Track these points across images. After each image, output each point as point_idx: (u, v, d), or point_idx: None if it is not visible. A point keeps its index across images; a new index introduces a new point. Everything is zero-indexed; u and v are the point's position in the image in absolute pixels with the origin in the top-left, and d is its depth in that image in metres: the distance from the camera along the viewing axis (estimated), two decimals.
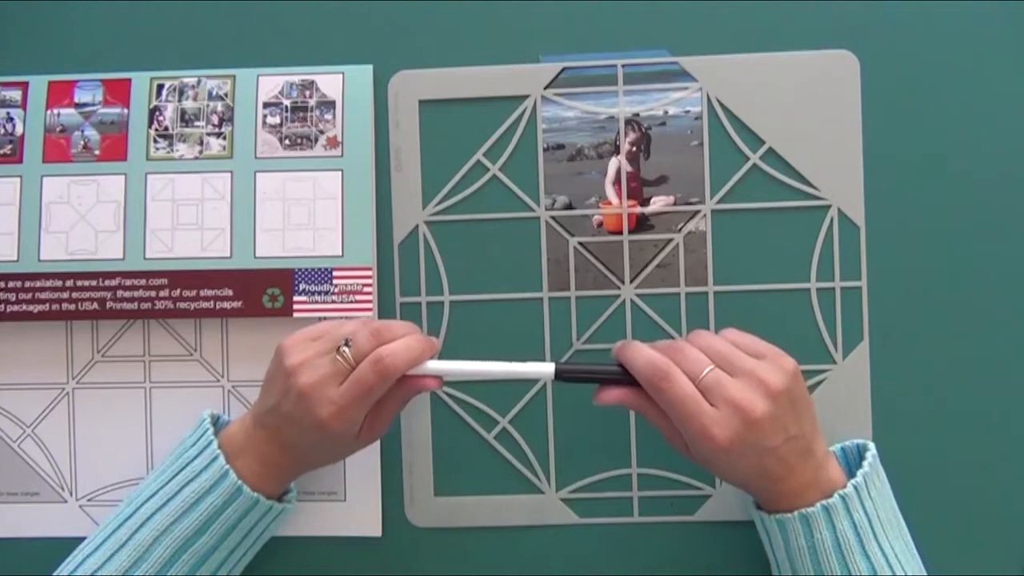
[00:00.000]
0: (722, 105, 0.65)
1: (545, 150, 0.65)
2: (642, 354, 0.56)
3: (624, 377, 0.57)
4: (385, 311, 0.65)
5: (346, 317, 0.64)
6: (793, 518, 0.55)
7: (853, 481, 0.56)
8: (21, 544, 0.66)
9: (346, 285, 0.64)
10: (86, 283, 0.64)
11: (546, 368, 0.58)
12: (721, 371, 0.55)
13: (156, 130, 0.65)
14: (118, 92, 0.66)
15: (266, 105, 0.65)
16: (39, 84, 0.66)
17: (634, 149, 0.65)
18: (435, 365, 0.58)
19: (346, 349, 0.56)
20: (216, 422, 0.62)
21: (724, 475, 0.58)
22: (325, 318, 0.64)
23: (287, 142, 0.65)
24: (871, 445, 0.59)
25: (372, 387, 0.56)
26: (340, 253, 0.64)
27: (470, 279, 0.66)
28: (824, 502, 0.55)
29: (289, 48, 0.66)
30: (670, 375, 0.55)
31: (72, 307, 0.64)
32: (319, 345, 0.57)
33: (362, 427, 0.58)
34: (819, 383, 0.64)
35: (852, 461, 0.60)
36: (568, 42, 0.65)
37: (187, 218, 0.65)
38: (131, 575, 0.57)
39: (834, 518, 0.55)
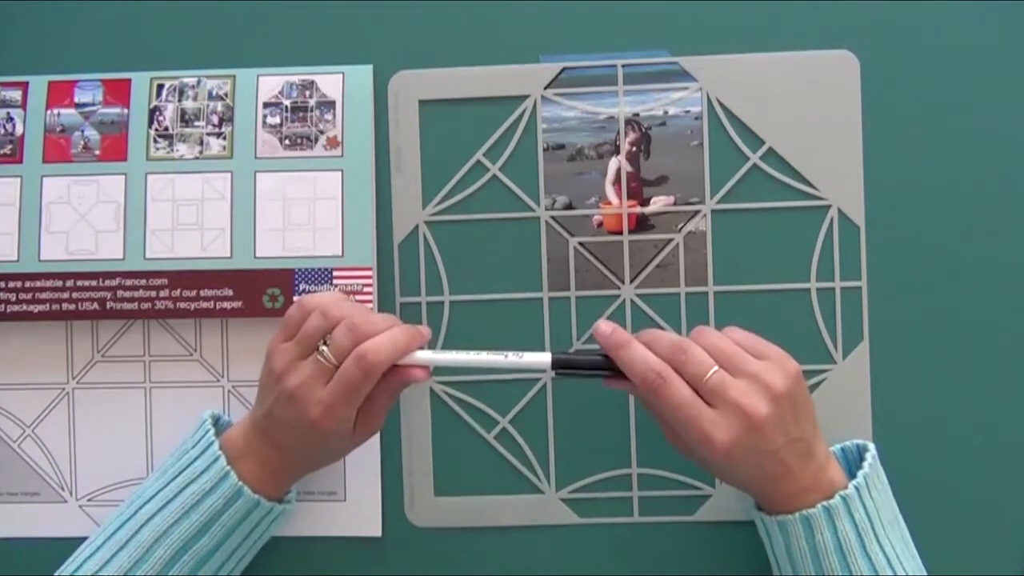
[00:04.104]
0: (722, 105, 0.65)
1: (545, 150, 0.65)
2: (639, 356, 0.56)
3: (620, 371, 0.57)
4: (385, 311, 0.65)
5: None
6: (794, 519, 0.55)
7: (854, 482, 0.56)
8: (21, 544, 0.66)
9: (346, 285, 0.64)
10: (86, 283, 0.64)
11: (542, 358, 0.58)
12: (725, 372, 0.55)
13: (156, 130, 0.65)
14: (118, 92, 0.66)
15: (266, 105, 0.65)
16: (39, 84, 0.66)
17: (634, 149, 0.65)
18: (429, 355, 0.58)
19: (325, 348, 0.56)
20: (217, 423, 0.62)
21: (725, 477, 0.58)
22: None
23: (287, 142, 0.65)
24: (871, 445, 0.59)
25: (357, 384, 0.55)
26: (340, 253, 0.64)
27: (470, 279, 0.66)
28: (825, 503, 0.55)
29: (289, 48, 0.66)
30: (667, 381, 0.54)
31: (72, 307, 0.64)
32: (295, 348, 0.57)
33: (356, 424, 0.58)
34: (819, 383, 0.64)
35: (852, 461, 0.60)
36: (568, 42, 0.65)
37: (187, 218, 0.65)
38: None
39: (835, 519, 0.55)
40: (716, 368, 0.54)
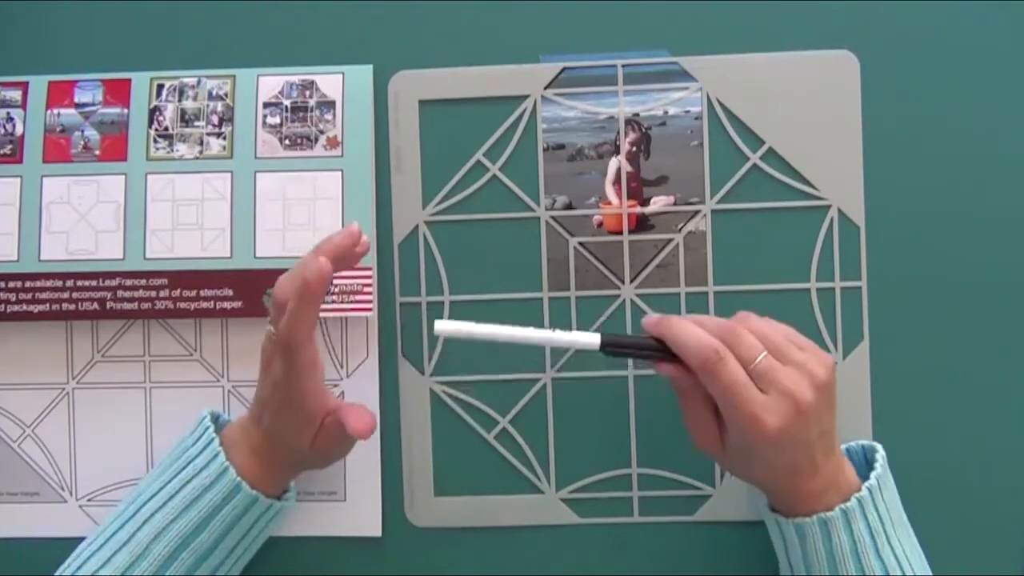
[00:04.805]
0: (722, 105, 0.65)
1: (545, 150, 0.65)
2: (692, 334, 0.55)
3: (670, 354, 0.56)
4: (385, 311, 0.65)
5: (346, 318, 0.64)
6: (812, 522, 0.55)
7: (867, 483, 0.56)
8: (21, 544, 0.66)
9: (346, 285, 0.64)
10: (86, 283, 0.64)
11: (590, 338, 0.57)
12: (773, 359, 0.54)
13: (156, 130, 0.65)
14: (118, 92, 0.66)
15: (266, 105, 0.65)
16: (39, 84, 0.66)
17: (634, 149, 0.65)
18: (473, 327, 0.57)
19: (270, 327, 0.56)
20: (216, 421, 0.62)
21: (754, 471, 0.57)
22: (325, 319, 0.64)
23: (287, 142, 0.65)
24: (879, 447, 0.59)
25: (274, 321, 0.55)
26: None
27: (470, 279, 0.66)
28: (843, 505, 0.55)
29: (289, 48, 0.66)
30: (724, 359, 0.54)
31: (72, 307, 0.64)
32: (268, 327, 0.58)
33: (317, 435, 0.58)
34: None
35: (856, 462, 0.60)
36: (568, 42, 0.65)
37: (187, 218, 0.65)
38: (130, 575, 0.57)
39: (851, 521, 0.55)
40: (765, 353, 0.54)
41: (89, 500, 0.66)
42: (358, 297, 0.64)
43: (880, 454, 0.58)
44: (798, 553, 0.57)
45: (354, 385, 0.65)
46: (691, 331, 0.55)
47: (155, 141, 0.65)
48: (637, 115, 0.65)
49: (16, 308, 0.65)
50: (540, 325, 0.65)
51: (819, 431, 0.54)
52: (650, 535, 0.65)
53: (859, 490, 0.55)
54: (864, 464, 0.59)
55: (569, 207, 0.65)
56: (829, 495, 0.55)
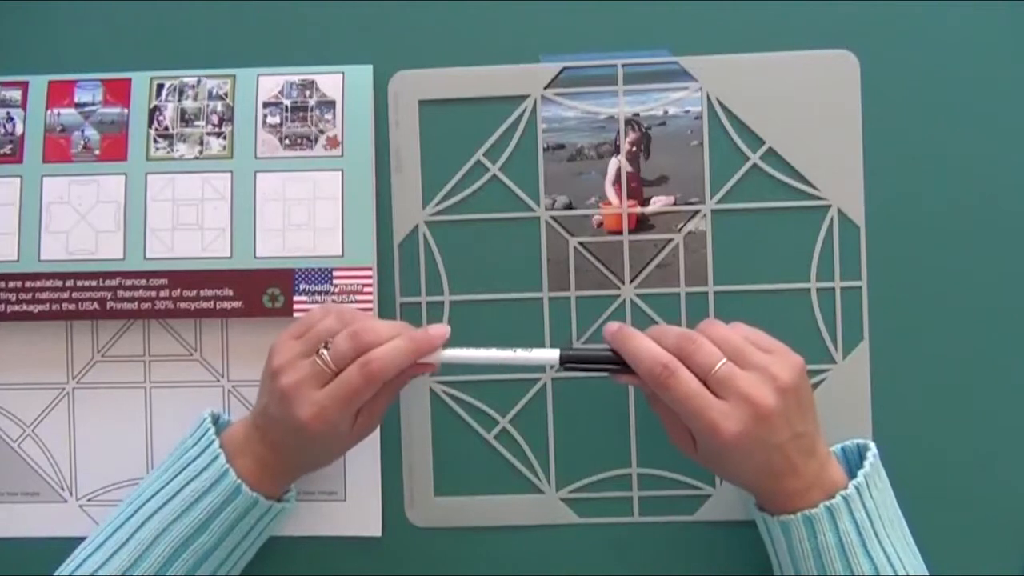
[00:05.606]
0: (722, 105, 0.65)
1: (545, 150, 0.65)
2: (645, 348, 0.56)
3: (629, 366, 0.57)
4: (385, 311, 0.65)
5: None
6: (796, 520, 0.55)
7: (854, 481, 0.56)
8: (21, 544, 0.66)
9: (346, 285, 0.64)
10: (86, 283, 0.64)
11: (550, 354, 0.58)
12: (733, 364, 0.55)
13: (156, 130, 0.65)
14: (118, 92, 0.66)
15: (266, 105, 0.65)
16: (39, 84, 0.66)
17: (634, 149, 0.65)
18: (437, 353, 0.58)
19: (325, 352, 0.56)
20: (216, 421, 0.62)
21: (729, 473, 0.58)
22: None
23: (287, 142, 0.65)
24: (871, 445, 0.59)
25: (358, 391, 0.56)
26: (340, 253, 0.64)
27: (470, 279, 0.66)
28: (827, 503, 0.55)
29: (289, 48, 0.66)
30: (674, 372, 0.54)
31: (72, 307, 0.64)
32: (300, 345, 0.57)
33: (353, 424, 0.58)
34: (819, 383, 0.64)
35: (852, 461, 0.60)
36: (568, 42, 0.65)
37: (187, 218, 0.65)
38: (131, 575, 0.57)
39: (837, 518, 0.55)
40: (725, 360, 0.55)
41: (89, 500, 0.66)
42: (358, 297, 0.64)
43: (871, 452, 0.58)
44: (785, 551, 0.57)
45: None
46: (643, 346, 0.56)
47: (155, 141, 0.65)
48: (637, 115, 0.65)
49: (16, 308, 0.65)
50: (540, 325, 0.65)
51: (791, 433, 0.54)
52: (650, 535, 0.65)
53: (846, 488, 0.55)
54: (860, 463, 0.59)
55: (569, 207, 0.65)
56: (813, 493, 0.55)
